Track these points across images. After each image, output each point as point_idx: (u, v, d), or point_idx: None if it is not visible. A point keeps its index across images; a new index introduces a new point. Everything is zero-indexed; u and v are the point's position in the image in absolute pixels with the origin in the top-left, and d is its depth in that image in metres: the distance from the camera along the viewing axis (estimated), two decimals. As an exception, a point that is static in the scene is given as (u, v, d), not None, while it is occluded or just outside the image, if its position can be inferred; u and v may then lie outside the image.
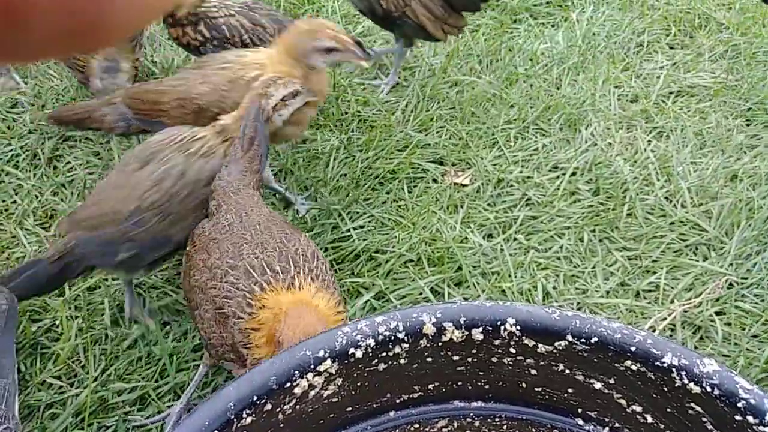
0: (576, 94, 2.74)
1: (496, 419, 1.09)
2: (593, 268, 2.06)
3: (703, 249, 2.11)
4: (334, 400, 0.97)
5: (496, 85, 2.73)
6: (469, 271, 2.02)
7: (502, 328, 0.96)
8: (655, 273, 2.02)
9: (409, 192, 2.29)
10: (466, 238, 2.11)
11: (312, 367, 0.90)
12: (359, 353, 0.93)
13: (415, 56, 2.86)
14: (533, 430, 1.09)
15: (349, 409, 1.00)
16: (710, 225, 2.18)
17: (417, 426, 1.07)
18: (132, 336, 1.82)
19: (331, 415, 0.99)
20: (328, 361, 0.91)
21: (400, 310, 0.95)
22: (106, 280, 1.95)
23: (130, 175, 1.63)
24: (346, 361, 0.93)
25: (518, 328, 0.96)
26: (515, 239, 2.14)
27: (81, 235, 1.63)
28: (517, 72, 2.82)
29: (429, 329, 0.95)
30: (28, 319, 1.87)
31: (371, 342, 0.93)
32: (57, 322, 1.85)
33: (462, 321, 0.96)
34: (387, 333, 0.94)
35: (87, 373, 1.75)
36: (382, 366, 0.97)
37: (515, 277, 2.01)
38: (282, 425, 0.93)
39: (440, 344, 0.97)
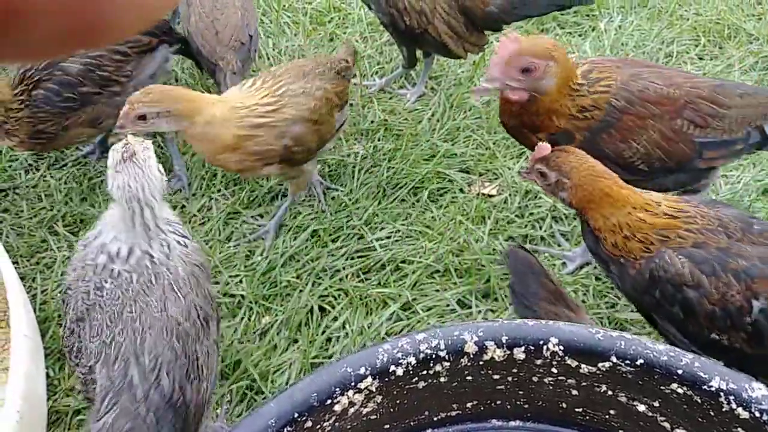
0: (604, 105, 2.71)
1: (534, 439, 1.07)
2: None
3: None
4: (373, 417, 0.96)
5: (522, 95, 2.71)
6: (497, 283, 2.00)
7: (545, 347, 0.94)
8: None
9: (436, 202, 2.27)
10: (495, 249, 2.09)
11: (353, 384, 0.89)
12: (400, 371, 0.92)
13: (441, 65, 2.85)
14: (572, 450, 1.07)
15: (387, 426, 0.99)
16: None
17: (454, 444, 1.06)
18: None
19: (369, 432, 0.98)
20: (369, 379, 0.90)
21: (441, 328, 0.94)
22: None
23: None
24: (386, 379, 0.92)
25: (561, 348, 0.94)
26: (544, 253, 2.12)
27: None
28: (544, 82, 2.79)
29: (470, 348, 0.94)
30: (57, 324, 1.88)
31: (412, 360, 0.92)
32: (85, 328, 1.86)
33: (504, 340, 0.94)
34: (428, 351, 0.92)
35: (114, 380, 1.75)
36: (422, 384, 0.95)
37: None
38: (321, 442, 0.92)
39: (481, 363, 0.96)
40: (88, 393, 1.39)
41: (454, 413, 1.03)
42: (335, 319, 1.92)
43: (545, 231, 2.18)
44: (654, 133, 1.70)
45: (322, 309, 1.95)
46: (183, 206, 2.25)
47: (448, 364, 0.94)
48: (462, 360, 0.94)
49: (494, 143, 2.49)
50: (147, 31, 2.05)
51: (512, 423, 1.06)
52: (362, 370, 0.90)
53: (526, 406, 1.04)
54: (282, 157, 1.89)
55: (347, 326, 1.90)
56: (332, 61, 2.11)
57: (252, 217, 2.23)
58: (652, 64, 2.14)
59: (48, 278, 2.02)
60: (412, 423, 1.02)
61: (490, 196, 2.31)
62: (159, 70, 2.23)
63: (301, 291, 1.98)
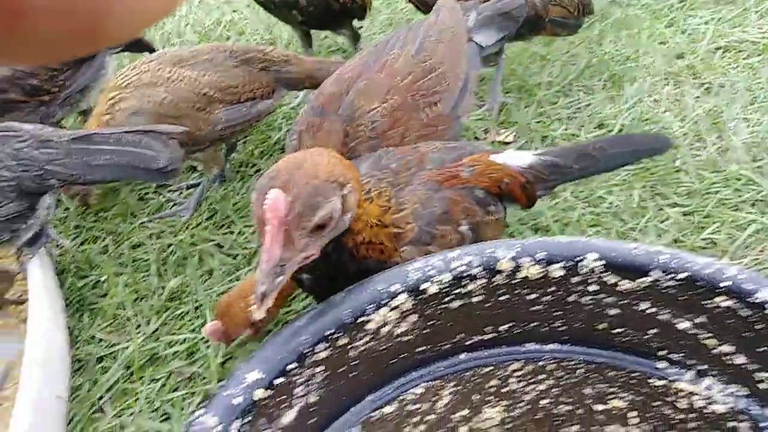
0: (619, 51, 2.65)
1: (572, 362, 1.05)
2: (645, 224, 1.99)
3: (760, 205, 2.03)
4: (406, 338, 0.94)
5: (535, 42, 2.65)
6: (517, 228, 1.97)
7: (583, 263, 0.91)
8: (709, 229, 1.96)
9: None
10: (513, 194, 2.05)
11: (386, 301, 0.87)
12: (434, 289, 0.89)
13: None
14: (611, 373, 1.05)
15: (421, 349, 0.97)
16: (766, 181, 2.10)
17: (489, 369, 1.04)
18: (176, 289, 1.81)
19: (402, 355, 0.96)
20: (403, 296, 0.88)
21: (475, 246, 0.91)
22: (150, 237, 1.93)
23: None
24: (420, 297, 0.89)
25: (600, 263, 0.91)
26: (562, 196, 2.09)
27: None
28: (559, 28, 2.73)
29: (505, 265, 0.91)
30: (74, 275, 1.87)
31: (446, 277, 0.89)
32: (103, 279, 1.85)
33: (540, 256, 0.91)
34: (462, 268, 0.90)
35: (136, 328, 1.74)
36: (455, 303, 0.93)
37: (565, 233, 1.95)
38: (355, 362, 0.90)
39: (516, 281, 0.93)
40: None
41: (488, 337, 1.01)
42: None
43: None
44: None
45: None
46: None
47: (483, 282, 0.91)
48: (496, 278, 0.91)
49: (507, 91, 2.44)
50: None
51: (548, 346, 1.04)
52: (395, 287, 0.87)
53: (563, 328, 1.01)
54: None
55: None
56: (235, 50, 1.91)
57: (168, 191, 2.18)
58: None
59: (61, 231, 2.00)
60: (446, 347, 0.99)
61: (506, 143, 2.27)
62: (94, 81, 2.08)
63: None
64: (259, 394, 0.77)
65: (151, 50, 2.21)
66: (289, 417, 0.84)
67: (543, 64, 2.55)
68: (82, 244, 1.95)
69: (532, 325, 1.01)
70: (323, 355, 0.84)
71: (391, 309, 0.87)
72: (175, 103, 1.76)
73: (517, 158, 1.46)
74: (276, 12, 2.33)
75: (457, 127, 1.64)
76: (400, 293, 0.87)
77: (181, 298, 1.81)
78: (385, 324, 0.88)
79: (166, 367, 1.67)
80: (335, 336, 0.84)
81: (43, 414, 1.45)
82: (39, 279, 1.61)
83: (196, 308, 1.77)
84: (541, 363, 1.06)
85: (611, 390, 1.10)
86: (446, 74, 1.58)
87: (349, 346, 0.87)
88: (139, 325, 1.76)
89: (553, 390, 1.12)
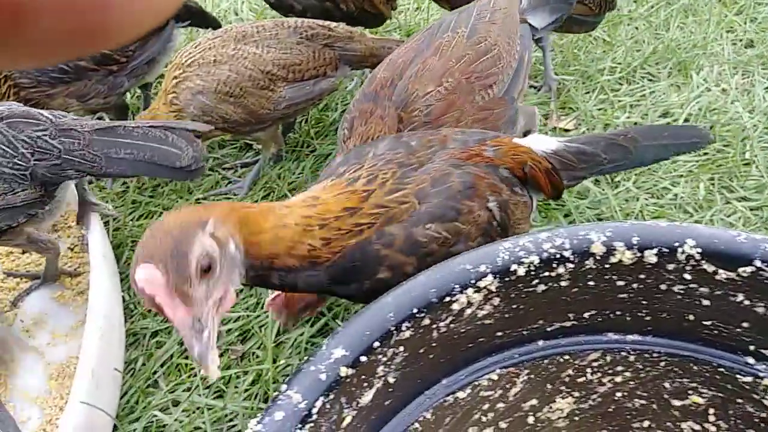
0: (686, 38, 2.56)
1: (654, 354, 1.00)
2: (711, 218, 1.92)
3: (836, 202, 1.94)
4: (487, 322, 0.90)
5: (599, 27, 2.57)
6: (576, 218, 1.91)
7: (680, 250, 0.86)
8: (781, 225, 1.87)
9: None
10: (574, 182, 1.99)
11: (472, 282, 0.83)
12: (521, 270, 0.85)
13: None
14: (694, 367, 1.00)
15: (499, 334, 0.93)
16: (842, 176, 2.00)
17: (567, 357, 1.00)
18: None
19: (481, 339, 0.92)
20: (489, 277, 0.84)
21: (566, 227, 0.87)
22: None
23: None
24: (506, 279, 0.85)
25: (698, 250, 0.86)
26: (625, 187, 2.02)
27: None
28: (621, 14, 2.64)
29: (598, 248, 0.86)
30: (130, 249, 1.88)
31: (535, 259, 0.85)
32: (159, 253, 1.85)
33: (635, 241, 0.86)
34: (552, 250, 0.85)
35: (189, 304, 1.74)
36: (541, 287, 0.89)
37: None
38: (434, 344, 0.87)
39: (607, 266, 0.88)
40: None
41: (568, 324, 0.96)
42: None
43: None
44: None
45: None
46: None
47: (572, 266, 0.87)
48: (587, 262, 0.87)
49: (569, 76, 2.37)
50: None
51: (629, 337, 0.99)
52: (482, 268, 0.83)
53: (648, 318, 0.96)
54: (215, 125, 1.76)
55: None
56: (299, 26, 1.85)
57: (223, 168, 2.16)
58: None
59: (120, 205, 2.01)
60: (524, 332, 0.95)
61: (567, 130, 2.21)
62: (161, 53, 2.06)
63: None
64: (344, 371, 0.74)
65: (216, 26, 2.20)
66: (367, 397, 0.82)
67: (606, 49, 2.47)
68: (138, 218, 1.96)
69: (616, 313, 0.96)
70: (407, 334, 0.81)
71: (477, 290, 0.84)
72: (238, 82, 1.74)
73: (542, 143, 1.41)
74: (279, 12, 2.30)
75: (513, 110, 1.59)
76: (487, 274, 0.83)
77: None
78: (469, 305, 0.85)
79: (219, 343, 1.67)
80: (420, 315, 0.80)
81: (100, 385, 1.45)
82: (99, 251, 1.61)
83: (250, 287, 1.76)
84: (621, 354, 1.01)
85: (692, 385, 1.05)
86: (501, 56, 1.53)
87: (432, 327, 0.83)
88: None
89: (630, 383, 1.07)
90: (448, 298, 0.82)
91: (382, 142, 1.29)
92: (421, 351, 0.86)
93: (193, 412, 1.55)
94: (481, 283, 0.83)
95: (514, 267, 0.84)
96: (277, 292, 1.41)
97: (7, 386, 1.62)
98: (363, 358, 0.76)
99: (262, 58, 1.76)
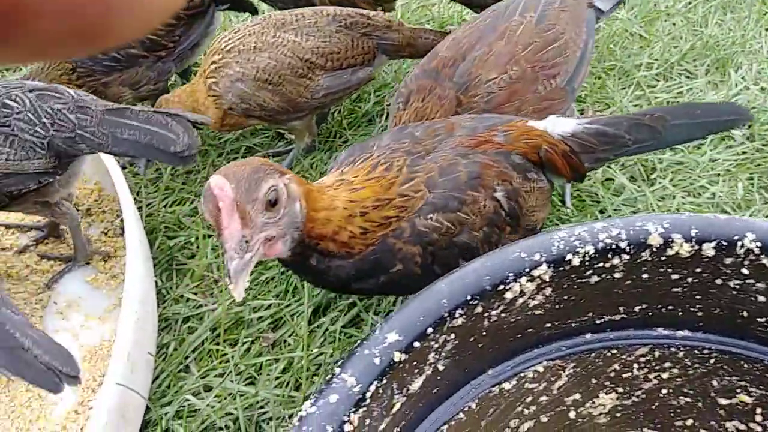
0: (724, 35, 2.51)
1: (704, 351, 0.98)
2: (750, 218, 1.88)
3: None
4: (537, 312, 0.88)
5: (635, 22, 2.53)
6: (611, 215, 1.88)
7: (739, 244, 0.84)
8: (824, 226, 1.83)
9: (544, 130, 2.15)
10: (610, 178, 1.96)
11: (527, 270, 0.82)
12: (576, 260, 0.84)
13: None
14: (745, 365, 0.98)
15: (548, 325, 0.92)
16: None
17: (614, 352, 0.98)
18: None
19: (529, 330, 0.91)
20: (544, 266, 0.82)
21: (622, 218, 0.85)
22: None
23: None
24: (561, 269, 0.84)
25: (758, 245, 0.84)
26: (660, 184, 1.99)
27: None
28: (659, 9, 2.60)
29: (655, 240, 0.84)
30: (163, 235, 1.88)
31: (590, 249, 0.83)
32: (192, 240, 1.85)
33: (693, 234, 0.84)
34: (608, 241, 0.84)
35: (221, 291, 1.74)
36: (594, 279, 0.87)
37: (663, 222, 1.86)
38: (484, 333, 0.86)
39: (663, 259, 0.86)
40: None
41: (618, 317, 0.95)
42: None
43: (661, 162, 2.04)
44: None
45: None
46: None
47: (628, 257, 0.85)
48: (643, 254, 0.85)
49: (605, 72, 2.34)
50: None
51: (679, 332, 0.97)
52: (537, 257, 0.82)
53: (700, 314, 0.94)
54: (245, 113, 1.77)
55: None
56: (338, 14, 1.83)
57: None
58: None
59: (153, 192, 2.02)
60: (573, 324, 0.94)
61: (602, 125, 2.17)
62: (204, 37, 2.09)
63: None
64: (397, 356, 0.73)
65: (253, 11, 2.20)
66: (417, 384, 0.81)
67: (642, 44, 2.43)
68: (171, 205, 1.96)
69: (667, 308, 0.94)
70: (459, 321, 0.79)
71: (530, 279, 0.82)
72: (277, 69, 1.73)
73: (559, 125, 1.36)
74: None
75: (572, 100, 1.57)
76: (541, 263, 0.81)
77: (267, 263, 1.80)
78: (521, 294, 0.83)
79: (250, 331, 1.67)
80: (473, 303, 0.79)
81: (135, 368, 1.46)
82: (135, 236, 1.62)
83: (282, 272, 1.76)
84: (670, 350, 0.99)
85: (741, 383, 1.03)
86: (568, 45, 1.51)
87: (484, 315, 0.82)
88: (222, 289, 1.76)
89: (677, 380, 1.05)
90: (501, 287, 0.81)
91: (384, 135, 1.28)
92: (471, 339, 0.84)
93: (225, 398, 1.55)
94: (535, 272, 0.82)
95: (569, 256, 0.83)
96: None
97: (41, 367, 1.63)
98: (416, 344, 0.75)
99: (301, 46, 1.75)
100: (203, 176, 2.05)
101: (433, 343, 0.78)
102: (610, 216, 1.88)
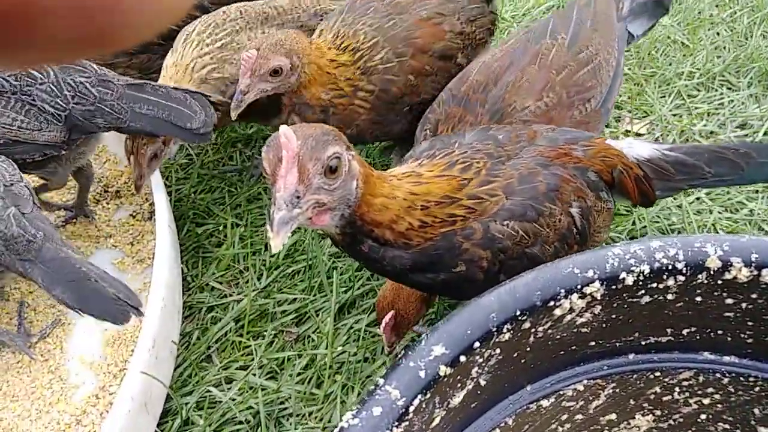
0: (769, 47, 2.44)
1: (750, 379, 0.94)
2: (790, 237, 1.83)
3: None
4: (584, 330, 0.85)
5: (678, 29, 2.47)
6: (646, 226, 1.84)
7: (802, 271, 0.80)
8: None
9: (579, 135, 2.11)
10: (646, 189, 1.92)
11: (578, 287, 0.79)
12: (630, 279, 0.80)
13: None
14: (794, 396, 0.94)
15: (592, 343, 0.89)
16: None
17: (657, 374, 0.95)
18: (290, 248, 1.78)
19: (573, 347, 0.88)
20: (597, 284, 0.79)
21: (679, 237, 0.82)
22: (266, 192, 1.91)
23: None
24: (613, 287, 0.81)
25: (822, 273, 0.80)
26: (697, 198, 1.94)
27: None
28: (703, 17, 2.54)
29: (713, 263, 0.81)
30: (191, 222, 1.87)
31: (645, 269, 0.80)
32: (220, 228, 1.84)
33: (753, 258, 0.81)
34: (664, 261, 0.80)
35: (246, 282, 1.73)
36: (646, 299, 0.84)
37: (699, 237, 1.81)
38: (528, 349, 0.83)
39: (719, 282, 0.83)
40: None
41: (664, 339, 0.91)
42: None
43: (702, 175, 1.99)
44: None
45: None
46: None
47: (683, 278, 0.82)
48: (699, 276, 0.82)
49: (645, 79, 2.29)
50: None
51: (726, 358, 0.94)
52: (590, 273, 0.79)
53: (750, 340, 0.91)
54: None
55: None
56: (318, 8, 1.80)
57: None
58: None
59: (183, 177, 2.00)
60: (617, 344, 0.91)
61: (639, 134, 2.13)
62: None
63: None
64: (443, 370, 0.71)
65: None
66: (458, 398, 0.78)
67: (685, 53, 2.37)
68: (200, 192, 1.95)
69: (717, 332, 0.91)
70: (506, 337, 0.77)
71: (581, 296, 0.79)
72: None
73: (637, 148, 1.33)
74: None
75: (605, 121, 1.53)
76: (594, 280, 0.78)
77: (294, 257, 1.78)
78: (570, 311, 0.80)
79: (274, 324, 1.65)
80: (522, 318, 0.76)
81: (159, 356, 1.45)
82: (165, 222, 1.60)
83: (309, 267, 1.74)
84: (715, 375, 0.95)
85: (785, 414, 1.00)
86: (601, 66, 1.47)
87: (531, 331, 0.79)
88: (248, 280, 1.75)
89: (718, 406, 1.02)
90: (552, 302, 0.78)
91: (468, 132, 1.24)
92: (515, 355, 0.82)
93: (246, 392, 1.54)
94: (587, 289, 0.79)
95: (623, 275, 0.79)
96: (390, 315, 1.37)
97: (63, 349, 1.63)
98: (462, 358, 0.73)
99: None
100: (232, 165, 2.03)
101: (478, 357, 0.75)
102: (645, 226, 1.83)
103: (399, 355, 0.72)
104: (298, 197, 0.93)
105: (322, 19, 1.78)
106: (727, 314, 0.87)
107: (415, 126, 1.52)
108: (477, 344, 0.74)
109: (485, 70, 1.50)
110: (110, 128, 1.62)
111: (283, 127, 0.94)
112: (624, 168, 1.26)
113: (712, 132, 2.13)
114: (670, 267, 0.80)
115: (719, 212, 1.91)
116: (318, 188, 0.95)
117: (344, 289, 1.67)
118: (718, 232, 1.85)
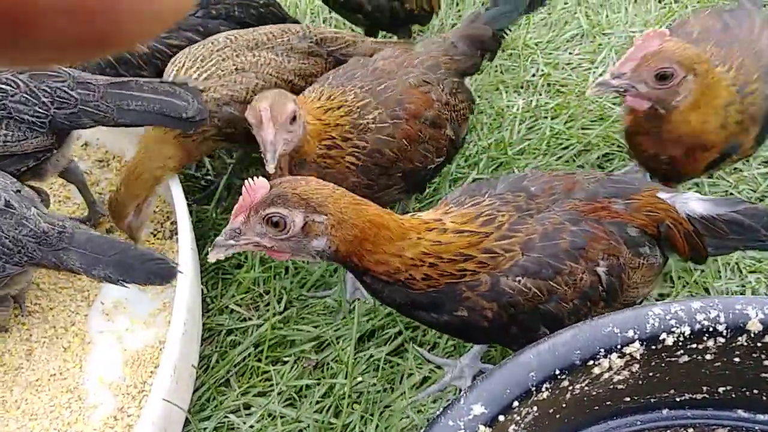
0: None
1: (785, 439, 0.93)
2: (815, 279, 1.81)
3: None
4: (620, 387, 0.85)
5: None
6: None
7: None
8: None
9: (602, 168, 2.10)
10: (669, 225, 1.91)
11: (618, 347, 0.78)
12: (670, 340, 0.80)
13: (610, 22, 2.63)
14: (829, 459, 0.93)
15: (627, 399, 0.88)
16: None
17: (690, 431, 0.94)
18: (313, 277, 1.78)
19: (608, 403, 0.87)
20: (637, 344, 0.79)
21: (720, 298, 0.81)
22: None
23: None
24: (653, 347, 0.80)
25: None
26: (720, 234, 1.92)
27: None
28: None
29: (754, 326, 0.80)
30: (211, 241, 1.87)
31: (686, 330, 0.80)
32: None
33: (795, 322, 0.80)
34: (705, 323, 0.80)
35: (267, 305, 1.73)
36: (684, 359, 0.83)
37: (722, 276, 1.80)
38: (564, 405, 0.82)
39: (759, 345, 0.82)
40: None
41: (699, 396, 0.90)
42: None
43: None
44: None
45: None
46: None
47: (723, 340, 0.81)
48: (740, 338, 0.81)
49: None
50: None
51: (760, 416, 0.93)
52: (630, 333, 0.78)
53: (787, 401, 0.90)
54: (227, 138, 1.75)
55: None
56: (307, 32, 1.82)
57: None
58: None
59: (204, 197, 2.01)
60: (652, 400, 0.90)
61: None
62: None
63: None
64: (482, 430, 0.70)
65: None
66: (492, 454, 0.77)
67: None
68: (223, 212, 1.95)
69: (752, 391, 0.90)
70: (544, 395, 0.76)
71: (621, 356, 0.79)
72: (265, 90, 1.66)
73: (691, 203, 1.30)
74: (341, 12, 2.30)
75: None
76: (634, 340, 0.78)
77: (316, 285, 1.78)
78: (608, 370, 0.80)
79: (293, 350, 1.65)
80: (561, 377, 0.76)
81: (180, 380, 1.45)
82: (188, 243, 1.61)
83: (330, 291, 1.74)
84: (749, 433, 0.95)
85: (817, 474, 0.98)
86: None
87: (568, 389, 0.79)
88: (268, 303, 1.74)
89: (749, 462, 1.01)
90: (591, 362, 0.77)
91: (501, 183, 1.24)
92: (551, 411, 0.81)
93: (264, 418, 1.53)
94: (627, 349, 0.78)
95: (663, 336, 0.79)
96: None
97: (83, 368, 1.63)
98: (501, 417, 0.72)
99: (284, 66, 1.75)
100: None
101: (516, 415, 0.74)
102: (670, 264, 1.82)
103: (438, 413, 0.71)
104: (237, 233, 1.09)
105: (311, 42, 1.83)
106: (764, 375, 0.86)
107: (405, 197, 1.56)
108: (516, 403, 0.73)
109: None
110: (98, 126, 1.66)
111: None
112: (672, 222, 1.24)
113: (736, 169, 2.12)
114: (710, 329, 0.80)
115: (741, 250, 1.89)
116: (261, 234, 1.07)
117: (366, 318, 1.67)
118: (741, 271, 1.84)
